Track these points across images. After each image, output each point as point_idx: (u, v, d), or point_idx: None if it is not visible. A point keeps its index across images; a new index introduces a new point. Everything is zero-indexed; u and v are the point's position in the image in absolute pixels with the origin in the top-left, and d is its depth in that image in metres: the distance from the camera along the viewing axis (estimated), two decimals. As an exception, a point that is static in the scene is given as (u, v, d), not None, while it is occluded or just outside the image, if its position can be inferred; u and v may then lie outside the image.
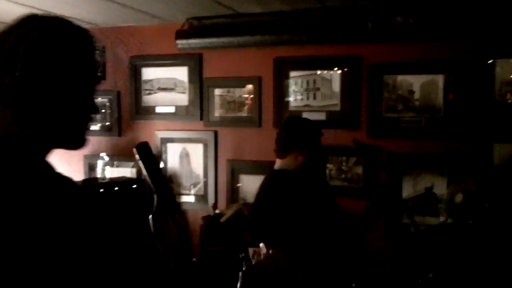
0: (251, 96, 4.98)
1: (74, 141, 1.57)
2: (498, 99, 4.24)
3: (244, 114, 5.03)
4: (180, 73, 5.24)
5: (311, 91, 4.79)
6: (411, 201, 4.42)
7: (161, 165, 5.18)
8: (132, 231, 4.78)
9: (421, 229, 3.54)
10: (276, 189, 3.28)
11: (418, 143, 4.46)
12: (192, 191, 5.23)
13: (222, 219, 4.43)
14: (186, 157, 5.26)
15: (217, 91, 5.11)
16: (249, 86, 4.99)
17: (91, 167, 5.50)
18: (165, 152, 5.31)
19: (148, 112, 5.37)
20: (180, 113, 5.26)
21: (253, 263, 3.15)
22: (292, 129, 3.37)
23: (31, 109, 1.42)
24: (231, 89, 5.06)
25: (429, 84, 4.43)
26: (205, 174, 5.19)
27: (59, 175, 1.60)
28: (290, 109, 4.85)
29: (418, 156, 4.45)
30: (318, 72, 4.76)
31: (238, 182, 5.06)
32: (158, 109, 5.33)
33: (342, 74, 4.68)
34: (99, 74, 1.56)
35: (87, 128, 1.55)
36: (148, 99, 5.37)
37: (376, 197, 3.53)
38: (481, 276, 3.23)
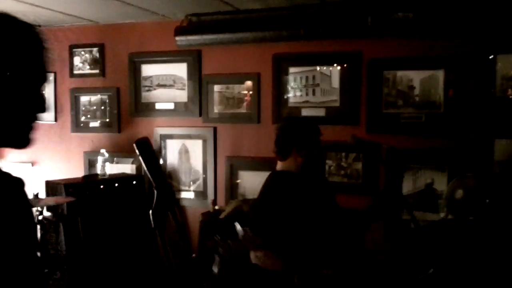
0: (250, 92, 4.97)
1: (18, 140, 1.50)
2: (499, 94, 4.24)
3: (243, 110, 5.02)
4: (179, 70, 5.23)
5: (310, 87, 4.78)
6: (411, 197, 4.42)
7: (161, 161, 5.17)
8: (131, 226, 4.78)
9: (421, 225, 3.52)
10: (277, 190, 3.27)
11: (418, 139, 4.45)
12: (192, 188, 5.23)
13: (221, 215, 4.41)
14: (186, 154, 5.25)
15: (216, 88, 5.10)
16: (248, 83, 4.98)
17: (91, 164, 5.51)
18: (165, 148, 5.30)
19: (148, 108, 5.36)
20: (179, 109, 5.25)
21: (230, 244, 3.12)
22: (289, 132, 3.33)
23: None
24: (230, 86, 5.05)
25: (429, 80, 4.42)
26: (204, 170, 5.19)
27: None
28: (289, 105, 4.84)
29: (418, 152, 4.44)
30: (318, 68, 4.75)
31: (237, 178, 5.06)
32: (158, 106, 5.32)
33: (342, 70, 4.67)
34: (46, 72, 1.50)
35: (32, 127, 1.50)
36: (148, 95, 5.36)
37: (378, 195, 3.52)
38: (481, 272, 3.22)
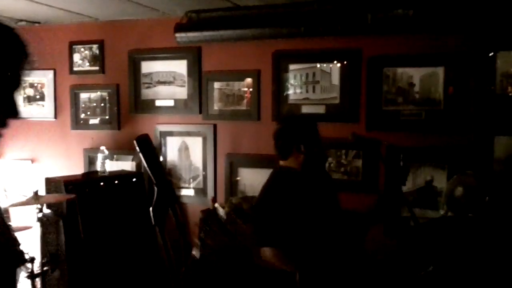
0: (250, 89, 4.97)
1: None
2: (499, 92, 4.23)
3: (243, 107, 5.01)
4: (179, 67, 5.22)
5: (310, 84, 4.77)
6: (411, 194, 4.42)
7: (161, 158, 5.17)
8: (131, 223, 4.79)
9: (420, 222, 3.52)
10: (278, 187, 3.27)
11: (418, 136, 4.45)
12: (192, 185, 5.23)
13: (221, 213, 4.42)
14: (185, 151, 5.25)
15: (216, 85, 5.09)
16: (248, 80, 4.97)
17: (91, 161, 5.51)
18: (165, 145, 5.30)
19: (147, 105, 5.36)
20: (179, 106, 5.25)
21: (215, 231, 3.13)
22: (287, 132, 3.34)
23: None
24: (230, 83, 5.05)
25: (430, 77, 4.41)
26: (204, 168, 5.19)
27: None
28: (289, 102, 4.84)
29: (418, 149, 4.44)
30: (318, 65, 4.74)
31: (237, 176, 5.06)
32: (157, 103, 5.32)
33: (342, 67, 4.66)
34: (21, 77, 1.45)
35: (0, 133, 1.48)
36: (147, 92, 5.36)
37: (379, 198, 3.51)
38: (480, 270, 3.23)
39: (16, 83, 1.46)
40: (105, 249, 4.65)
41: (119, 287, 4.43)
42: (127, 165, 5.39)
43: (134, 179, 5.06)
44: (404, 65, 4.48)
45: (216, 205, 4.69)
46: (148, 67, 5.34)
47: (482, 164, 4.21)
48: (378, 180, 4.56)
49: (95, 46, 5.53)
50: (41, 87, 5.81)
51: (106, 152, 5.07)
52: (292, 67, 4.82)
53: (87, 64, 5.57)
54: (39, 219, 4.32)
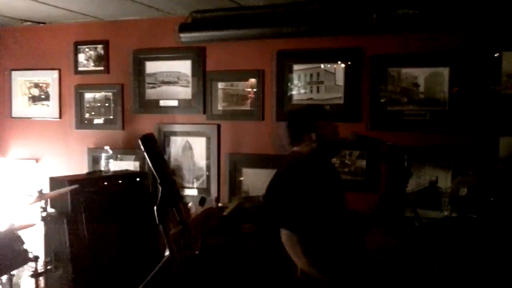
0: (254, 89, 4.97)
1: None
2: (503, 92, 4.22)
3: (246, 107, 5.02)
4: (184, 67, 5.23)
5: (314, 85, 4.77)
6: (415, 195, 4.41)
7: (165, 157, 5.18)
8: (135, 223, 4.79)
9: (424, 222, 3.52)
10: (292, 171, 3.27)
11: (423, 136, 4.44)
12: (195, 184, 5.23)
13: (224, 212, 4.42)
14: (189, 150, 5.26)
15: (220, 85, 5.10)
16: (252, 80, 4.98)
17: (95, 160, 5.51)
18: (168, 145, 5.30)
19: (152, 105, 5.37)
20: (183, 106, 5.26)
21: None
22: (293, 122, 3.38)
23: None
24: (234, 83, 5.05)
25: (434, 77, 4.41)
26: (208, 167, 5.19)
27: None
28: (293, 102, 4.84)
29: (422, 149, 4.43)
30: (322, 65, 4.74)
31: (240, 176, 5.06)
32: (161, 103, 5.33)
33: (346, 67, 4.66)
34: None
35: None
36: (151, 92, 5.36)
37: (381, 200, 3.51)
38: (484, 270, 3.22)
39: None
40: (109, 248, 4.66)
41: (123, 286, 4.43)
42: (131, 164, 5.39)
43: (137, 179, 5.07)
44: (409, 65, 4.47)
45: (220, 204, 4.70)
46: (152, 67, 5.35)
47: (487, 165, 4.21)
48: (382, 180, 4.55)
49: (99, 46, 5.54)
50: (46, 87, 5.82)
51: (110, 151, 5.08)
52: (296, 67, 4.82)
53: (92, 64, 5.58)
54: (43, 218, 4.34)
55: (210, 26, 4.83)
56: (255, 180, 4.90)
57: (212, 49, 5.12)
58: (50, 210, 4.43)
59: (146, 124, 5.35)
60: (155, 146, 2.24)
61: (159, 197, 2.24)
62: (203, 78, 5.15)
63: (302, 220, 3.04)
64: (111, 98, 5.54)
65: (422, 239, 3.50)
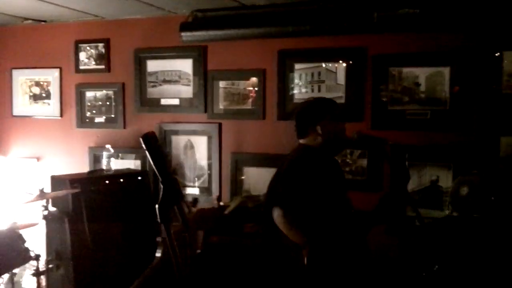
0: (255, 88, 4.97)
1: None
2: (505, 91, 4.22)
3: (248, 106, 5.02)
4: (185, 65, 5.23)
5: (315, 84, 4.78)
6: (416, 194, 4.41)
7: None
8: (136, 221, 4.80)
9: (425, 222, 3.52)
10: (299, 159, 3.27)
11: (424, 136, 4.44)
12: (196, 183, 5.24)
13: (226, 212, 4.43)
14: (191, 149, 5.26)
15: (221, 84, 5.10)
16: (253, 79, 4.98)
17: (96, 159, 5.51)
18: (170, 144, 5.31)
19: (153, 104, 5.37)
20: (185, 105, 5.26)
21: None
22: (301, 113, 3.41)
23: None
24: (235, 82, 5.06)
25: (435, 76, 4.41)
26: (209, 166, 5.19)
27: None
28: (295, 101, 4.83)
29: (423, 148, 4.43)
30: (323, 64, 4.74)
31: (242, 175, 5.06)
32: (163, 101, 5.33)
33: (347, 66, 4.66)
34: None
35: None
36: (153, 91, 5.37)
37: (383, 199, 3.51)
38: (485, 270, 3.22)
39: None
40: (110, 247, 4.66)
41: (124, 284, 4.44)
42: (132, 163, 5.40)
43: (139, 177, 5.08)
44: (410, 65, 4.47)
45: (221, 203, 4.71)
46: (153, 65, 5.35)
47: (488, 164, 4.21)
48: (383, 179, 4.55)
49: (100, 45, 5.54)
50: (47, 86, 5.82)
51: (111, 150, 5.09)
52: (297, 66, 4.82)
53: (93, 62, 5.58)
54: (45, 217, 4.34)
55: (212, 25, 4.83)
56: (257, 179, 4.90)
57: (213, 48, 5.12)
58: (52, 209, 4.43)
59: (148, 122, 5.35)
60: (156, 144, 2.24)
61: (160, 196, 2.24)
62: (204, 77, 5.15)
63: (304, 210, 3.04)
64: (112, 96, 5.54)
65: (423, 238, 3.50)
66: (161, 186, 2.29)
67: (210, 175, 5.19)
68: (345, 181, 3.61)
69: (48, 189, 4.59)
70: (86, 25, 5.59)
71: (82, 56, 5.62)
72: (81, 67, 5.63)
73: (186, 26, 4.90)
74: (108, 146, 5.10)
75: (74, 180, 4.60)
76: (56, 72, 5.76)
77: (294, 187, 3.08)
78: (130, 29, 5.43)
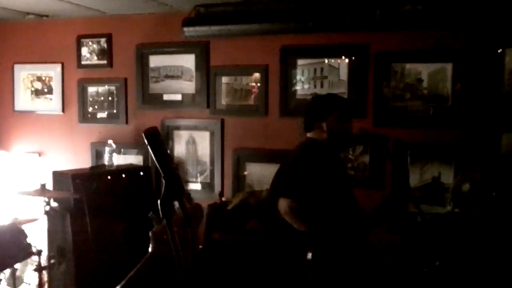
0: (258, 84, 4.97)
1: None
2: (507, 88, 4.22)
3: (250, 102, 5.02)
4: (187, 61, 5.23)
5: (318, 80, 4.77)
6: (418, 190, 4.41)
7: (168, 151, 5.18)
8: (138, 217, 4.80)
9: (427, 218, 3.52)
10: (309, 153, 3.28)
11: (426, 132, 4.44)
12: (199, 179, 5.24)
13: (229, 207, 4.43)
14: (193, 145, 5.26)
15: (224, 79, 5.10)
16: (256, 75, 4.97)
17: (98, 154, 5.52)
18: (172, 139, 5.31)
19: (155, 100, 5.37)
20: (187, 101, 5.26)
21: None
22: (309, 107, 3.44)
23: None
24: (238, 77, 5.05)
25: (438, 73, 4.40)
26: (212, 162, 5.19)
27: None
28: (297, 97, 4.84)
29: (425, 145, 4.43)
30: (326, 60, 4.74)
31: (244, 170, 5.06)
32: (165, 97, 5.33)
33: (350, 62, 4.66)
34: None
35: None
36: (155, 86, 5.36)
37: (385, 198, 3.51)
38: (487, 266, 3.23)
39: None
40: (112, 242, 4.66)
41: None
42: (134, 159, 5.41)
43: (141, 173, 5.08)
44: (412, 61, 4.47)
45: (223, 199, 4.71)
46: (156, 61, 5.34)
47: (489, 161, 4.21)
48: (385, 176, 4.55)
49: (103, 40, 5.53)
50: (49, 81, 5.82)
51: (114, 146, 5.08)
52: (300, 62, 4.81)
53: (95, 58, 5.58)
54: (46, 212, 4.34)
55: (214, 20, 4.82)
56: (259, 175, 4.90)
57: (216, 44, 5.11)
58: (54, 204, 4.43)
59: (150, 118, 5.34)
60: (158, 140, 2.24)
61: (162, 191, 2.24)
62: (206, 73, 5.15)
63: (309, 202, 3.05)
64: (115, 92, 5.54)
65: (424, 234, 3.51)
66: (163, 181, 2.30)
67: (212, 171, 5.19)
68: (350, 178, 3.62)
69: (50, 184, 4.59)
70: (88, 20, 5.58)
71: (84, 51, 5.62)
72: (83, 63, 5.63)
73: (188, 22, 4.90)
74: (110, 141, 5.10)
75: (76, 175, 4.60)
76: (58, 68, 5.75)
77: (300, 177, 3.09)
78: (132, 24, 5.43)
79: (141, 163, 5.36)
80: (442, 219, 3.61)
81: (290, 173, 3.15)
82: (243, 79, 5.03)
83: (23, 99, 5.95)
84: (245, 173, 5.04)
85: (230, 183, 5.12)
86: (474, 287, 3.22)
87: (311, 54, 4.78)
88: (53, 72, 5.78)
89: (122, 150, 5.37)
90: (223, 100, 5.11)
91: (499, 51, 4.24)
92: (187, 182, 5.24)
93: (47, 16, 5.70)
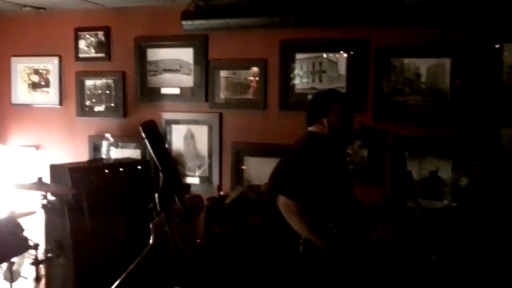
0: (257, 78, 4.96)
1: None
2: (506, 83, 4.22)
3: (249, 96, 5.01)
4: (186, 55, 5.21)
5: (317, 74, 4.76)
6: (416, 185, 4.40)
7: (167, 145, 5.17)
8: (136, 211, 4.80)
9: (425, 212, 3.52)
10: (303, 148, 3.27)
11: (425, 127, 4.44)
12: (197, 173, 5.23)
13: (227, 201, 4.43)
14: (191, 139, 5.25)
15: (223, 73, 5.08)
16: (255, 69, 4.96)
17: (96, 148, 5.50)
18: (170, 133, 5.30)
19: (153, 93, 5.35)
20: (185, 94, 5.24)
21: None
22: (312, 102, 3.45)
23: None
24: (237, 71, 5.04)
25: (436, 68, 4.40)
26: (210, 156, 5.18)
27: None
28: (296, 91, 4.83)
29: (424, 139, 4.43)
30: (325, 55, 4.73)
31: (242, 164, 5.05)
32: (163, 90, 5.31)
33: (349, 57, 4.65)
34: None
35: None
36: (153, 80, 5.35)
37: (386, 198, 3.51)
38: (484, 259, 3.24)
39: None
40: (110, 236, 4.66)
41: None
42: (132, 152, 5.40)
43: (139, 167, 5.07)
44: (411, 56, 4.46)
45: (222, 193, 4.71)
46: (154, 54, 5.33)
47: (487, 155, 4.21)
48: (384, 171, 4.55)
49: (101, 33, 5.51)
50: (46, 74, 5.80)
51: (111, 139, 5.07)
52: (299, 56, 4.80)
53: (93, 51, 5.56)
54: (44, 206, 4.33)
55: (213, 14, 4.81)
56: (258, 169, 4.89)
57: (215, 37, 5.09)
58: (51, 197, 4.42)
59: (148, 111, 5.32)
60: (156, 133, 2.24)
61: (160, 185, 2.23)
62: (205, 67, 5.13)
63: (308, 197, 3.05)
64: (112, 85, 5.52)
65: (422, 228, 3.51)
66: (161, 175, 2.29)
67: (210, 165, 5.18)
68: (350, 174, 3.61)
69: (47, 178, 4.58)
70: (86, 13, 5.56)
71: (82, 44, 5.59)
72: (81, 55, 5.61)
73: (187, 15, 4.88)
74: (108, 135, 5.08)
75: (73, 169, 4.59)
76: (55, 60, 5.73)
77: (301, 177, 3.08)
78: (130, 17, 5.41)
79: (139, 157, 5.35)
80: (440, 213, 3.62)
81: (292, 171, 3.14)
82: (242, 73, 5.01)
83: (21, 92, 5.93)
84: (244, 167, 5.04)
85: (228, 177, 5.11)
86: (471, 281, 3.23)
87: (310, 48, 4.77)
88: (50, 65, 5.76)
89: (120, 143, 5.35)
90: (222, 94, 5.09)
91: (497, 46, 4.23)
92: (186, 175, 5.23)
93: (44, 8, 5.67)
